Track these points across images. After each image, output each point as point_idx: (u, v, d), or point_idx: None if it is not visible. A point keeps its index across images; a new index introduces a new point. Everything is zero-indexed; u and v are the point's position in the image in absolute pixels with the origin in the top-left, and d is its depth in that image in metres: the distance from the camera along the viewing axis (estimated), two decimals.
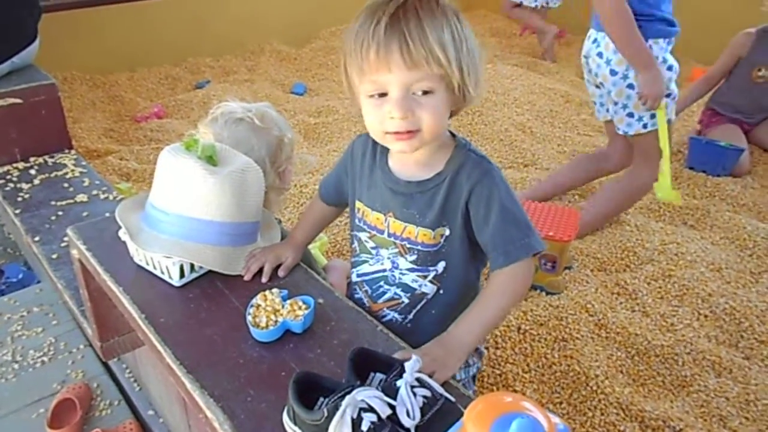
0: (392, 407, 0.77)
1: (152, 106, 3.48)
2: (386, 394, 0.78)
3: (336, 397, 0.77)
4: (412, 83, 0.93)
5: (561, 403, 1.59)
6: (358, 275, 1.17)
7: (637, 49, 1.97)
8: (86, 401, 1.59)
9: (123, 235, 1.17)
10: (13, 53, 2.22)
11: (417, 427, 0.78)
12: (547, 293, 1.96)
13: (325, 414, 0.76)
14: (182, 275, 1.12)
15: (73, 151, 2.27)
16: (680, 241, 2.14)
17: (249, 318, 1.00)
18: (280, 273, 1.15)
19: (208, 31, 4.17)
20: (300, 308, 1.01)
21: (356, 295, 1.18)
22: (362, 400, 0.76)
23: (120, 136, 3.21)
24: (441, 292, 1.10)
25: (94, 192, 1.97)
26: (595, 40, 2.12)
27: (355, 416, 0.75)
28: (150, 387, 1.57)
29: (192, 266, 1.13)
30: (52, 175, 2.09)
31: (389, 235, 1.09)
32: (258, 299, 1.03)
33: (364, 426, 0.75)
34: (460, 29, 0.96)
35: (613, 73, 2.06)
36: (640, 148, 2.17)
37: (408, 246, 1.08)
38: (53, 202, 1.92)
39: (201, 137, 1.21)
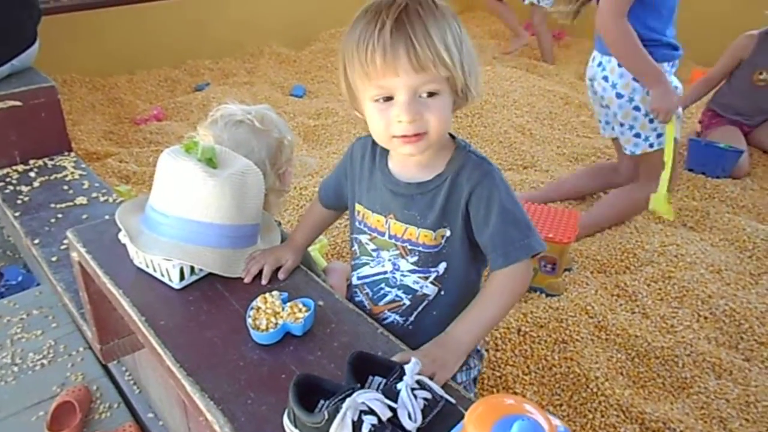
0: (393, 410, 0.77)
1: (152, 108, 3.48)
2: (387, 397, 0.78)
3: (336, 400, 0.77)
4: (419, 86, 0.93)
5: (561, 405, 1.59)
6: (359, 278, 1.17)
7: (645, 66, 2.02)
8: (86, 404, 1.59)
9: (123, 237, 1.17)
10: (12, 56, 2.22)
11: (418, 430, 0.78)
12: (547, 295, 1.96)
13: (326, 416, 0.76)
14: (182, 278, 1.12)
15: (72, 154, 2.27)
16: (680, 243, 2.14)
17: (249, 320, 1.00)
18: (280, 275, 1.15)
19: (208, 33, 4.17)
20: (300, 311, 1.01)
21: (357, 298, 1.18)
22: (363, 403, 0.76)
23: (119, 138, 3.20)
24: (442, 293, 1.10)
25: (94, 194, 1.97)
26: (600, 63, 2.16)
27: (355, 419, 0.75)
28: (150, 390, 1.57)
29: (192, 269, 1.13)
30: (52, 177, 2.09)
31: (390, 237, 1.09)
32: (258, 302, 1.03)
33: (365, 428, 0.75)
34: (460, 31, 0.97)
35: (619, 96, 2.11)
36: (647, 166, 2.22)
37: (409, 247, 1.08)
38: (53, 205, 1.91)
39: (201, 139, 1.21)
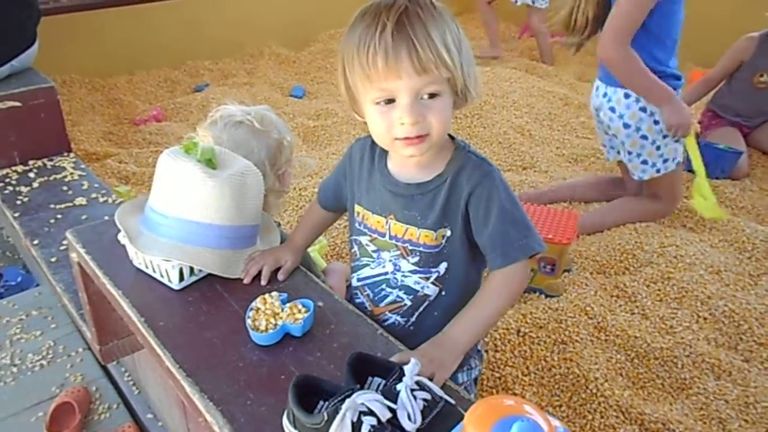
0: (392, 411, 0.77)
1: (151, 109, 3.48)
2: (386, 398, 0.78)
3: (336, 401, 0.77)
4: (421, 88, 0.94)
5: (561, 406, 1.59)
6: (359, 279, 1.17)
7: (652, 87, 2.06)
8: (85, 405, 1.59)
9: (122, 238, 1.17)
10: (12, 56, 2.22)
11: (418, 431, 0.78)
12: (547, 296, 1.96)
13: (325, 417, 0.76)
14: (181, 278, 1.12)
15: (72, 154, 2.27)
16: (679, 244, 2.14)
17: (248, 321, 1.00)
18: (280, 276, 1.15)
19: (207, 34, 4.17)
20: (299, 311, 1.01)
21: (357, 300, 1.18)
22: (362, 404, 0.76)
23: (119, 139, 3.20)
24: (443, 293, 1.10)
25: (93, 195, 1.97)
26: (605, 94, 2.20)
27: (355, 420, 0.75)
28: (149, 390, 1.57)
29: (191, 269, 1.13)
30: (51, 178, 2.09)
31: (390, 238, 1.09)
32: (257, 302, 1.03)
33: (364, 429, 0.75)
34: (458, 31, 0.97)
35: (626, 126, 2.16)
36: (656, 187, 2.27)
37: (410, 248, 1.08)
38: (52, 206, 1.91)
39: (200, 140, 1.21)
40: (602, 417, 1.54)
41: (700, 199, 2.22)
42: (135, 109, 3.54)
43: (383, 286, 1.13)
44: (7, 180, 2.07)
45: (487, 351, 1.71)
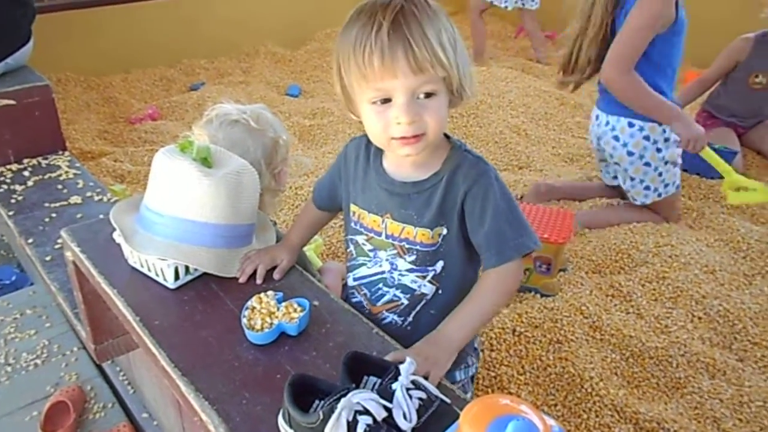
0: (388, 410, 0.77)
1: (147, 107, 3.47)
2: (382, 397, 0.78)
3: (331, 400, 0.77)
4: (417, 87, 0.94)
5: (556, 405, 1.59)
6: (355, 279, 1.17)
7: (661, 107, 2.12)
8: (80, 404, 1.58)
9: (117, 237, 1.17)
10: (6, 54, 2.21)
11: (413, 430, 0.78)
12: (542, 295, 1.96)
13: (321, 417, 0.76)
14: (177, 277, 1.12)
15: (67, 153, 2.26)
16: (674, 244, 2.15)
17: (244, 320, 1.00)
18: (276, 275, 1.15)
19: (203, 32, 4.16)
20: (295, 310, 1.01)
21: (354, 299, 1.18)
22: (358, 403, 0.76)
23: (114, 137, 3.19)
24: (440, 292, 1.10)
25: (88, 194, 1.96)
26: (607, 123, 2.24)
27: (350, 419, 0.75)
28: (144, 390, 1.57)
29: (187, 268, 1.13)
30: (46, 176, 2.08)
31: (387, 237, 1.09)
32: (253, 302, 1.03)
33: (360, 428, 0.75)
34: (453, 30, 0.97)
35: (630, 154, 2.21)
36: (657, 209, 2.32)
37: (407, 246, 1.08)
38: (47, 204, 1.91)
39: (196, 139, 1.21)
40: (597, 416, 1.55)
41: (736, 194, 2.25)
42: (130, 107, 3.53)
43: (380, 285, 1.13)
44: (2, 178, 2.06)
45: (482, 350, 1.71)
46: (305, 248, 1.35)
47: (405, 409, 0.78)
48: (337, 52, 0.99)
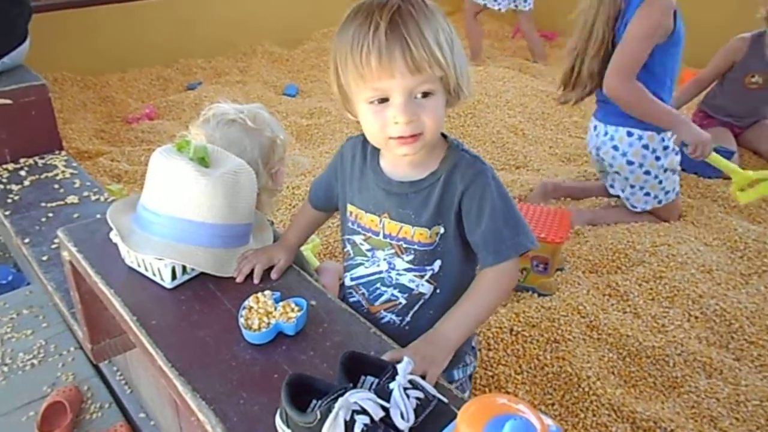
0: (385, 409, 0.77)
1: (143, 107, 3.47)
2: (379, 397, 0.78)
3: (329, 400, 0.77)
4: (414, 87, 0.94)
5: (553, 404, 1.60)
6: (353, 278, 1.17)
7: (664, 114, 2.15)
8: (77, 404, 1.58)
9: (114, 236, 1.16)
10: (3, 53, 2.21)
11: (411, 429, 0.78)
12: (539, 295, 1.97)
13: (318, 416, 0.76)
14: (174, 277, 1.12)
15: (63, 153, 2.26)
16: (671, 243, 2.15)
17: (241, 320, 1.00)
18: (273, 275, 1.15)
19: (200, 32, 4.15)
20: (292, 310, 1.01)
21: (352, 299, 1.18)
22: (355, 402, 0.76)
23: (111, 137, 3.19)
24: (438, 291, 1.11)
25: (85, 193, 1.96)
26: (606, 133, 2.26)
27: (348, 418, 0.75)
28: (141, 389, 1.56)
29: (184, 268, 1.13)
30: (43, 176, 2.08)
31: (385, 236, 1.09)
32: (250, 301, 1.03)
33: (357, 428, 0.75)
34: (449, 30, 0.97)
35: (630, 163, 2.23)
36: (657, 214, 2.34)
37: (405, 246, 1.08)
38: (43, 204, 1.90)
39: (193, 139, 1.21)
40: (594, 415, 1.55)
41: (745, 193, 2.26)
42: (127, 107, 3.53)
43: (378, 284, 1.13)
44: None
45: (480, 349, 1.71)
46: (302, 248, 1.34)
47: (402, 408, 0.78)
48: (334, 52, 0.99)
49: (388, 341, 1.00)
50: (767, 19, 2.69)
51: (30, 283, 2.12)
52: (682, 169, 2.73)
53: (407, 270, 1.09)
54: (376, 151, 1.10)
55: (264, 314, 1.00)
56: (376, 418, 0.76)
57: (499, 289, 1.03)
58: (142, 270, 1.15)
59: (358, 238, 1.13)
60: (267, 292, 1.05)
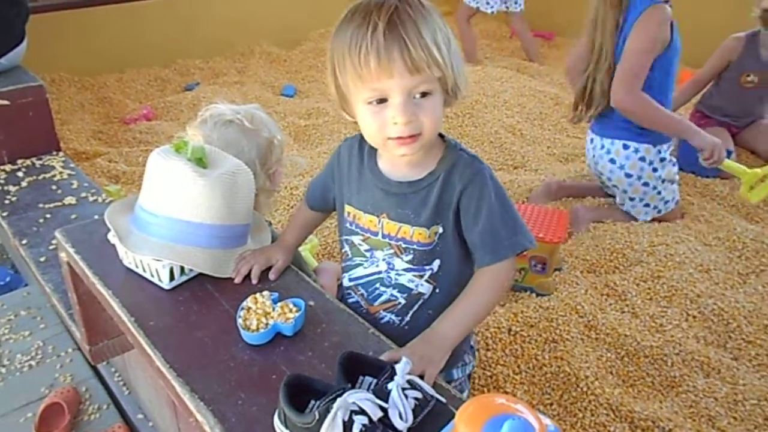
0: (384, 410, 0.77)
1: (141, 107, 3.46)
2: (378, 397, 0.78)
3: (327, 400, 0.77)
4: (413, 87, 0.94)
5: (551, 404, 1.60)
6: (351, 279, 1.16)
7: (673, 124, 2.19)
8: (74, 405, 1.58)
9: (112, 237, 1.16)
10: (0, 54, 2.21)
11: (409, 429, 0.78)
12: (537, 295, 1.97)
13: (317, 417, 0.76)
14: (172, 278, 1.12)
15: (61, 153, 2.26)
16: (669, 243, 2.15)
17: (239, 321, 1.00)
18: (271, 276, 1.15)
19: (198, 32, 4.15)
20: (291, 311, 1.01)
21: (351, 299, 1.18)
22: (353, 403, 0.76)
23: (109, 138, 3.18)
24: (437, 291, 1.11)
25: (83, 194, 1.96)
26: (602, 146, 2.29)
27: (346, 419, 0.75)
28: (139, 390, 1.56)
29: (182, 269, 1.13)
30: (40, 177, 2.07)
31: (383, 237, 1.09)
32: (248, 302, 1.03)
33: (356, 428, 0.75)
34: (446, 30, 0.98)
35: (628, 176, 2.26)
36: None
37: (404, 246, 1.08)
38: (41, 205, 1.90)
39: (190, 139, 1.21)
40: (593, 415, 1.55)
41: (754, 192, 2.29)
42: (125, 107, 3.52)
43: (377, 285, 1.13)
44: None
45: (478, 350, 1.72)
46: (300, 248, 1.34)
47: (401, 408, 0.78)
48: (332, 53, 0.99)
49: (387, 341, 1.00)
50: (761, 17, 2.70)
51: (28, 285, 2.12)
52: (681, 169, 2.74)
53: (406, 270, 1.09)
54: (374, 151, 1.10)
55: (262, 315, 1.00)
56: (375, 419, 0.76)
57: (496, 288, 1.04)
58: (140, 271, 1.15)
59: (356, 239, 1.13)
60: (265, 293, 1.05)
